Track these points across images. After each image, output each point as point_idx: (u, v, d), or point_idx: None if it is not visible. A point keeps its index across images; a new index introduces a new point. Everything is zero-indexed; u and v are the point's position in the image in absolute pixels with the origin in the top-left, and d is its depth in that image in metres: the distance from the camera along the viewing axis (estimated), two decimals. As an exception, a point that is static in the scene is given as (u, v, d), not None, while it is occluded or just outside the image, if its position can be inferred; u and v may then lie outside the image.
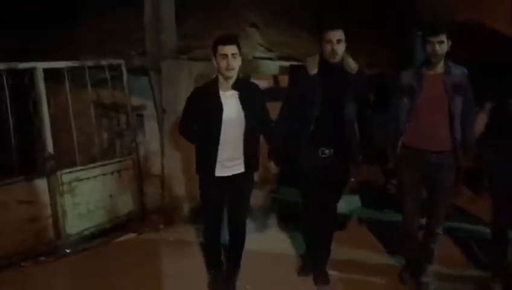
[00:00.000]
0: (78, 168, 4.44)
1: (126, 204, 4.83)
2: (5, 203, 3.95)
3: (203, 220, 3.49)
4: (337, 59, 3.20)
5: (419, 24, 5.38)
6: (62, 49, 5.37)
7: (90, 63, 4.55)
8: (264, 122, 3.31)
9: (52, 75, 4.28)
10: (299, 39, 6.04)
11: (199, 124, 3.24)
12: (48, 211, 4.26)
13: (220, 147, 3.14)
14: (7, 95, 3.96)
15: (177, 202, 4.86)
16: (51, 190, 4.25)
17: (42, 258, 4.06)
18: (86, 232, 4.49)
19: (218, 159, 3.16)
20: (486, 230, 3.69)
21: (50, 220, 4.28)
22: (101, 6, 6.07)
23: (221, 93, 3.14)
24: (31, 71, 4.08)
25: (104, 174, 4.62)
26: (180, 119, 3.42)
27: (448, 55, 3.27)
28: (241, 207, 3.41)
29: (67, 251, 4.25)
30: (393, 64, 5.58)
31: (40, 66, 4.11)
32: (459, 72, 3.24)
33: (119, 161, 4.80)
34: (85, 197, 4.46)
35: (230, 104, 3.14)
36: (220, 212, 3.39)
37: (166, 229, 4.65)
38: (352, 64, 3.29)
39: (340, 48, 3.18)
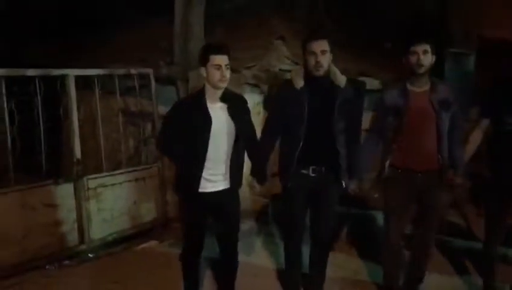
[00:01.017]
0: (104, 174, 4.51)
1: (149, 211, 4.88)
2: (33, 206, 4.03)
3: (184, 241, 3.22)
4: (322, 72, 3.01)
5: (449, 40, 5.34)
6: (92, 57, 5.48)
7: (120, 71, 4.64)
8: (249, 137, 3.12)
9: (82, 83, 4.37)
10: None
11: (183, 138, 2.96)
12: (73, 215, 4.33)
13: (207, 162, 2.94)
14: (39, 101, 4.05)
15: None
16: (77, 195, 4.32)
17: (66, 262, 4.13)
18: (109, 238, 4.54)
19: (203, 174, 2.95)
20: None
21: (75, 225, 4.34)
22: (131, 16, 6.21)
23: (209, 105, 2.92)
24: (63, 78, 4.18)
25: (129, 181, 4.67)
26: (159, 134, 3.22)
27: (433, 71, 3.16)
28: (230, 227, 3.16)
29: (91, 255, 4.31)
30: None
31: (72, 73, 4.21)
32: (445, 87, 3.13)
33: (144, 169, 4.86)
34: (110, 203, 4.52)
35: (219, 116, 2.93)
36: (202, 231, 3.13)
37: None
38: (339, 77, 3.10)
39: (325, 60, 2.98)
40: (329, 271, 3.48)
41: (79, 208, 4.34)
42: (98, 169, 4.57)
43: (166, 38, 5.55)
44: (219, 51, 2.84)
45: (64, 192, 4.25)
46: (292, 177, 3.16)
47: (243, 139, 3.01)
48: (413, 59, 3.02)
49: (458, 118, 3.18)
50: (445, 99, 3.08)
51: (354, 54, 6.03)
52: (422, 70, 3.03)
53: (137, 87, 4.77)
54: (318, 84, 3.06)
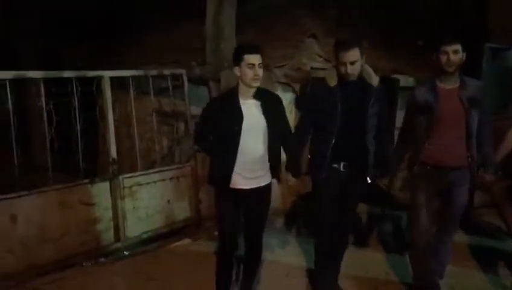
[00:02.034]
0: (139, 173, 4.59)
1: (183, 210, 4.93)
2: (71, 205, 4.14)
3: (218, 232, 3.31)
4: (353, 78, 3.08)
5: (487, 35, 5.19)
6: (127, 58, 5.58)
7: (153, 72, 4.72)
8: (283, 133, 3.19)
9: (117, 84, 4.46)
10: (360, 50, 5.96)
11: (217, 133, 3.09)
12: (109, 213, 4.42)
13: (238, 158, 3.01)
14: (76, 102, 4.15)
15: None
16: (113, 194, 4.41)
17: (102, 260, 4.22)
18: (144, 236, 4.61)
19: (236, 170, 3.02)
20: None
21: (111, 223, 4.44)
22: (164, 17, 6.29)
23: (241, 101, 3.03)
24: (99, 79, 4.27)
25: (163, 180, 4.74)
26: (196, 129, 3.35)
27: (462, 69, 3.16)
28: (257, 223, 3.25)
29: (126, 253, 4.38)
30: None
31: (107, 74, 4.30)
32: (474, 85, 3.14)
33: (178, 168, 4.91)
34: (144, 201, 4.59)
35: (251, 113, 3.02)
36: (235, 225, 3.19)
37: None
38: (372, 76, 3.17)
39: (356, 69, 3.05)
40: (362, 270, 3.46)
41: (115, 206, 4.43)
42: (133, 168, 4.65)
43: (198, 39, 5.59)
44: (253, 50, 2.93)
45: (101, 191, 4.34)
46: (324, 172, 3.23)
47: (276, 135, 3.07)
48: (443, 58, 3.07)
49: (487, 115, 3.18)
50: (474, 97, 3.10)
51: (388, 52, 5.94)
52: (452, 69, 3.07)
53: (170, 88, 4.83)
54: (351, 83, 3.11)
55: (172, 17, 6.53)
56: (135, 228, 4.55)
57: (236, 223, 3.18)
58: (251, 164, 3.04)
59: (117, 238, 4.46)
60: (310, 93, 3.39)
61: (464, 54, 3.08)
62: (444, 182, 3.20)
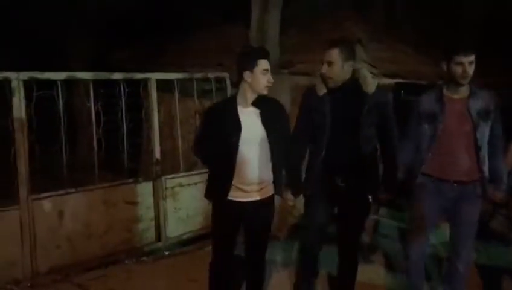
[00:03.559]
0: (181, 174, 4.65)
1: (222, 212, 4.95)
2: (115, 203, 4.25)
3: (212, 248, 3.05)
4: (334, 83, 2.87)
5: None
6: (173, 61, 5.68)
7: (198, 75, 4.79)
8: (283, 144, 2.90)
9: (163, 86, 4.54)
10: (405, 55, 5.86)
11: (215, 143, 2.84)
12: (151, 213, 4.51)
13: (236, 169, 2.77)
14: (123, 103, 4.26)
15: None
16: (155, 194, 4.50)
17: (144, 258, 4.30)
18: (184, 237, 4.67)
19: (234, 182, 2.79)
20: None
21: (152, 222, 4.52)
22: (209, 20, 6.37)
23: (240, 110, 2.79)
24: (145, 81, 4.37)
25: (203, 182, 4.77)
26: (196, 138, 3.11)
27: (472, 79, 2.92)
28: (258, 239, 2.98)
29: (166, 253, 4.45)
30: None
31: (154, 76, 4.39)
32: (485, 95, 2.92)
33: (218, 170, 4.94)
34: (185, 202, 4.65)
35: (251, 122, 2.78)
36: (232, 240, 2.96)
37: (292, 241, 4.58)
38: (369, 83, 2.89)
39: (333, 71, 2.82)
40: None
41: (157, 206, 4.51)
42: (174, 169, 4.72)
43: (242, 42, 5.63)
44: (267, 55, 2.75)
45: (144, 191, 4.43)
46: (312, 188, 3.02)
47: (278, 146, 2.84)
48: (458, 70, 2.84)
49: (498, 128, 2.97)
50: (485, 108, 2.90)
51: (433, 57, 5.78)
52: (466, 81, 2.87)
53: (213, 90, 4.88)
54: (343, 90, 2.90)
55: (218, 21, 6.61)
56: (176, 228, 4.61)
57: (233, 238, 2.97)
58: (250, 176, 2.80)
59: (158, 238, 4.55)
60: (301, 103, 3.13)
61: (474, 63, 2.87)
62: (449, 197, 2.99)
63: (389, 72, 5.50)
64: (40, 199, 3.86)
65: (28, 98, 3.72)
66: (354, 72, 2.92)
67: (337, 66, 2.83)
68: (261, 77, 2.72)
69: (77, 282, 3.81)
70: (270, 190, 2.90)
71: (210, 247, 4.40)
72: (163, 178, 4.49)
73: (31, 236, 3.79)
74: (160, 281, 3.90)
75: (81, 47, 6.98)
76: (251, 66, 2.71)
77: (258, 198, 2.85)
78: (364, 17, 6.42)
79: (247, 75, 2.72)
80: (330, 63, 2.83)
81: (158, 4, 6.78)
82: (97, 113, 4.19)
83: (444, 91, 2.97)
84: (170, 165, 4.90)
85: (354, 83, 2.90)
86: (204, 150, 2.96)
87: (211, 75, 4.88)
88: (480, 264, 3.64)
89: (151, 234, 4.53)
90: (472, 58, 2.84)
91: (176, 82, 4.59)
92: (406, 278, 3.29)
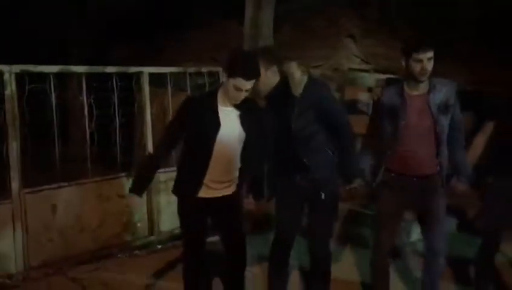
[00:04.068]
0: (174, 168, 4.64)
1: (216, 207, 4.97)
2: (108, 197, 4.26)
3: (184, 245, 2.99)
4: (264, 91, 2.84)
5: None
6: (168, 56, 5.69)
7: (191, 69, 4.79)
8: (256, 147, 2.82)
9: (156, 80, 4.55)
10: (398, 52, 5.88)
11: (189, 138, 2.76)
12: (144, 207, 4.52)
13: (209, 167, 2.70)
14: (116, 97, 4.26)
15: (263, 208, 4.90)
16: (148, 188, 4.49)
17: (136, 252, 4.31)
18: (177, 231, 4.64)
19: (204, 180, 2.73)
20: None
21: (145, 216, 4.54)
22: (203, 16, 6.38)
23: (220, 108, 2.70)
24: (138, 75, 4.37)
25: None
26: (166, 130, 2.91)
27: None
28: (234, 232, 2.94)
29: (159, 246, 4.46)
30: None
31: (146, 70, 4.40)
32: (445, 89, 2.89)
33: (212, 164, 4.95)
34: (178, 197, 4.65)
35: (229, 121, 2.70)
36: (203, 236, 2.92)
37: (254, 234, 4.65)
38: (296, 83, 2.83)
39: (261, 82, 2.73)
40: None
41: (150, 200, 4.52)
42: (167, 163, 4.72)
43: (236, 38, 5.65)
44: (251, 76, 2.58)
45: (137, 185, 4.43)
46: (277, 188, 3.05)
47: (252, 149, 2.79)
48: (417, 67, 2.79)
49: (459, 120, 2.97)
50: (444, 102, 2.88)
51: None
52: (425, 78, 2.84)
53: (207, 85, 4.89)
54: (273, 99, 2.88)
55: (212, 17, 6.62)
56: (169, 222, 4.61)
57: (203, 234, 2.94)
58: (220, 175, 2.76)
59: (151, 232, 4.56)
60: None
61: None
62: (412, 192, 2.98)
63: (381, 67, 5.54)
64: (32, 192, 3.87)
65: (20, 91, 3.72)
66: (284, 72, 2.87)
67: (261, 75, 2.72)
68: (231, 90, 2.60)
69: (70, 275, 3.81)
70: (234, 187, 2.87)
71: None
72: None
73: (24, 230, 3.80)
74: (153, 274, 3.90)
75: (79, 45, 6.97)
76: (229, 75, 2.59)
77: (224, 194, 2.81)
78: (359, 14, 6.45)
79: (224, 77, 2.66)
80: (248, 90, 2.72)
81: (156, 3, 6.79)
82: (90, 107, 4.19)
83: (405, 87, 2.93)
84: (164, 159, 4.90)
85: (284, 87, 2.85)
86: (171, 147, 2.88)
87: (204, 69, 4.89)
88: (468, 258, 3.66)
89: (144, 228, 4.54)
90: (431, 54, 2.79)
91: (168, 76, 4.59)
92: (372, 276, 3.29)
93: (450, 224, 4.85)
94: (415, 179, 2.96)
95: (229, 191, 2.84)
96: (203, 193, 2.77)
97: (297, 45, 5.68)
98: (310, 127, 2.87)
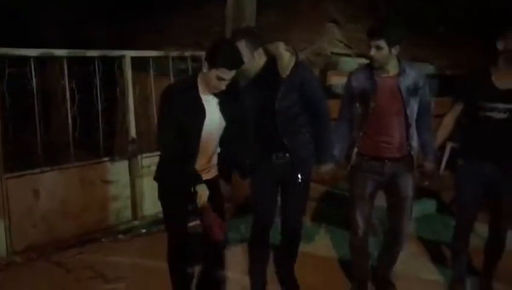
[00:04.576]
0: (157, 152, 4.62)
1: (199, 191, 4.99)
2: (91, 182, 4.26)
3: (167, 231, 3.01)
4: (248, 74, 2.84)
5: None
6: (150, 41, 5.63)
7: (174, 53, 4.76)
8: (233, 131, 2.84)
9: (138, 64, 4.52)
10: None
11: (175, 128, 2.68)
12: (128, 192, 4.53)
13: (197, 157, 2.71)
14: (98, 81, 4.23)
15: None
16: (132, 172, 4.51)
17: (120, 236, 4.33)
18: (161, 215, 4.62)
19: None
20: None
21: (129, 201, 4.55)
22: (188, 1, 6.30)
23: (202, 96, 2.67)
24: (120, 59, 4.33)
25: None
26: (164, 124, 2.75)
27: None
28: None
29: (143, 231, 4.48)
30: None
31: (129, 54, 4.36)
32: (414, 72, 2.95)
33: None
34: (162, 181, 4.65)
35: (211, 109, 2.69)
36: (186, 222, 2.94)
37: (239, 218, 4.71)
38: (284, 65, 2.85)
39: (247, 64, 2.71)
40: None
41: (133, 185, 4.53)
42: (151, 148, 4.72)
43: (219, 22, 5.60)
44: (233, 66, 2.56)
45: (120, 169, 4.45)
46: (253, 169, 3.05)
47: (231, 134, 2.81)
48: (370, 51, 2.86)
49: (427, 103, 3.05)
50: (414, 84, 2.94)
51: (410, 39, 5.86)
52: (376, 64, 2.88)
53: (190, 69, 4.87)
54: (259, 78, 2.88)
55: (194, 0, 6.55)
56: (152, 206, 4.61)
57: (186, 220, 2.96)
58: (205, 162, 2.79)
59: (134, 216, 4.58)
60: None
61: (396, 47, 2.84)
62: (384, 174, 3.05)
63: (364, 52, 5.56)
64: (14, 177, 3.85)
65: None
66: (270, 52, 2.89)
67: (247, 58, 2.74)
68: (213, 80, 2.57)
69: (54, 260, 3.82)
70: (215, 171, 2.89)
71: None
72: (139, 156, 4.49)
73: (6, 215, 3.79)
74: (138, 258, 3.93)
75: (57, 26, 6.83)
76: (211, 65, 2.55)
77: (206, 178, 2.79)
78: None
79: (205, 67, 2.61)
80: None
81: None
82: (71, 91, 4.15)
83: (374, 71, 2.96)
84: (146, 143, 4.90)
85: (271, 68, 2.86)
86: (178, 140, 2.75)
87: (187, 53, 4.86)
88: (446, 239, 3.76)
89: (127, 213, 4.56)
90: (378, 43, 2.80)
91: (151, 60, 4.56)
92: (351, 257, 3.38)
93: (429, 206, 5.00)
94: (386, 161, 3.02)
95: (209, 175, 2.85)
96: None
97: (280, 28, 5.67)
98: (292, 108, 2.91)
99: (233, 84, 2.82)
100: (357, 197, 3.16)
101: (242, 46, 2.74)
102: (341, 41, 5.53)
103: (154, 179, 2.90)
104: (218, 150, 2.89)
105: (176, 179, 2.76)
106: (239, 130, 2.89)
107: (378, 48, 2.81)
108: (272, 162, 3.00)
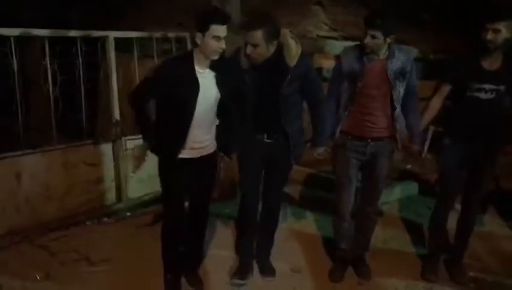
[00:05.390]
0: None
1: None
2: (74, 165, 4.21)
3: (164, 209, 3.08)
4: (258, 62, 2.88)
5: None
6: (133, 21, 5.53)
7: (157, 34, 4.69)
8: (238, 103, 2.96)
9: (122, 46, 4.44)
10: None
11: (168, 101, 2.78)
12: (111, 174, 4.50)
13: (190, 130, 2.79)
14: (80, 62, 4.15)
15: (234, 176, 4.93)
16: (115, 155, 4.47)
17: (105, 219, 4.30)
18: (145, 198, 4.68)
19: (187, 142, 2.82)
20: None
21: (113, 184, 4.52)
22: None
23: (197, 71, 2.74)
24: (103, 40, 4.25)
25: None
26: (139, 87, 2.96)
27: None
28: (205, 191, 3.13)
29: (128, 213, 4.47)
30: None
31: (112, 35, 4.28)
32: (402, 56, 3.02)
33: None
34: (146, 163, 4.62)
35: (207, 84, 2.76)
36: (182, 196, 3.02)
37: (223, 202, 4.72)
38: (292, 55, 2.92)
39: (259, 52, 2.82)
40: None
41: (117, 167, 4.49)
42: (134, 130, 4.67)
43: (204, 3, 5.53)
44: (222, 20, 2.63)
45: (104, 152, 4.41)
46: (247, 145, 3.12)
47: (229, 108, 2.89)
48: (365, 39, 2.92)
49: (413, 86, 3.12)
50: (402, 68, 3.01)
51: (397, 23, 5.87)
52: (369, 50, 2.95)
53: (174, 50, 4.81)
54: (266, 64, 2.91)
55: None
56: (137, 189, 4.62)
57: (183, 195, 3.03)
58: (201, 135, 2.86)
59: (119, 199, 4.55)
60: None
61: (391, 37, 2.91)
62: (366, 154, 3.14)
63: (350, 35, 5.57)
64: (-5, 160, 3.77)
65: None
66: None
67: (262, 48, 2.82)
68: (210, 42, 2.63)
69: (38, 243, 3.79)
70: (213, 146, 2.99)
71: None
72: (123, 139, 4.45)
73: (-12, 198, 3.73)
74: (122, 240, 3.92)
75: (38, 6, 6.65)
76: (203, 29, 2.62)
77: (204, 153, 2.92)
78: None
79: (198, 37, 2.65)
80: (255, 46, 2.80)
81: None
82: (53, 72, 4.06)
83: (364, 53, 3.01)
84: (130, 126, 4.84)
85: (278, 55, 2.91)
86: (147, 105, 2.88)
87: (171, 34, 4.80)
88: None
89: (112, 195, 4.53)
90: (374, 33, 2.86)
91: (135, 41, 4.49)
92: (334, 236, 3.46)
93: (412, 188, 5.08)
94: (369, 141, 3.12)
95: (207, 151, 2.94)
96: (185, 154, 2.85)
97: (265, 9, 5.63)
98: (294, 96, 3.02)
99: (234, 62, 2.96)
100: (340, 177, 3.25)
101: (258, 35, 2.78)
102: (326, 24, 5.52)
103: (151, 151, 2.98)
104: (217, 121, 2.96)
105: (171, 152, 2.84)
106: (236, 106, 2.95)
107: (374, 37, 2.89)
108: (263, 141, 3.09)
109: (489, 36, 2.91)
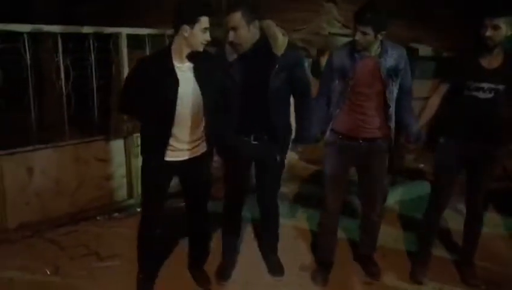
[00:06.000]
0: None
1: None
2: (86, 160, 4.23)
3: (142, 211, 3.04)
4: (243, 49, 2.78)
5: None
6: (144, 18, 5.54)
7: (170, 31, 4.66)
8: (215, 102, 2.83)
9: (133, 42, 4.45)
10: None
11: (148, 100, 2.67)
12: (123, 170, 4.52)
13: (173, 128, 2.69)
14: (93, 58, 4.17)
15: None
16: (127, 151, 4.49)
17: (115, 215, 4.33)
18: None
19: (170, 141, 2.71)
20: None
21: (124, 180, 4.53)
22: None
23: (176, 65, 2.64)
24: (116, 36, 4.26)
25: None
26: (121, 94, 2.90)
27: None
28: (199, 195, 3.04)
29: (138, 209, 4.47)
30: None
31: (124, 31, 4.29)
32: (395, 53, 2.92)
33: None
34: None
35: (187, 78, 2.66)
36: (164, 200, 2.95)
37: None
38: (278, 44, 2.80)
39: (241, 37, 2.72)
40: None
41: (128, 163, 4.51)
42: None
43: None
44: (210, 12, 2.56)
45: (115, 148, 4.42)
46: (232, 147, 3.03)
47: (212, 103, 2.77)
48: (355, 35, 2.85)
49: (408, 85, 3.03)
50: (395, 66, 2.92)
51: (408, 20, 5.81)
52: (359, 47, 2.87)
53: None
54: (252, 54, 2.81)
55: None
56: (148, 185, 4.62)
57: (165, 198, 2.96)
58: (186, 135, 2.74)
59: (130, 195, 4.57)
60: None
61: (382, 33, 2.81)
62: (357, 153, 3.06)
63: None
64: (7, 154, 3.81)
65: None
66: (264, 31, 2.84)
67: (244, 31, 2.72)
68: (199, 34, 2.55)
69: (48, 237, 3.82)
70: (203, 147, 2.87)
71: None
72: (134, 135, 4.46)
73: (0, 192, 3.75)
74: (132, 235, 3.92)
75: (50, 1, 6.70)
76: (191, 21, 2.53)
77: (191, 156, 2.81)
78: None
79: (185, 29, 2.54)
80: (235, 29, 2.71)
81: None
82: (66, 68, 4.09)
83: (355, 51, 2.92)
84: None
85: (264, 45, 2.81)
86: (134, 108, 2.81)
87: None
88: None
89: (122, 191, 4.55)
90: (364, 29, 2.78)
91: (147, 38, 4.50)
92: (318, 237, 3.44)
93: (423, 187, 5.02)
94: (361, 141, 3.03)
95: (195, 152, 2.83)
96: (171, 156, 2.75)
97: (277, 7, 5.59)
98: (282, 90, 2.91)
99: (218, 55, 2.85)
100: (329, 176, 3.17)
101: (237, 17, 2.70)
102: (339, 21, 5.48)
103: (141, 153, 2.88)
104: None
105: (155, 153, 2.75)
106: (220, 103, 2.85)
107: (364, 33, 2.79)
108: (250, 142, 2.99)
109: (489, 33, 2.80)
